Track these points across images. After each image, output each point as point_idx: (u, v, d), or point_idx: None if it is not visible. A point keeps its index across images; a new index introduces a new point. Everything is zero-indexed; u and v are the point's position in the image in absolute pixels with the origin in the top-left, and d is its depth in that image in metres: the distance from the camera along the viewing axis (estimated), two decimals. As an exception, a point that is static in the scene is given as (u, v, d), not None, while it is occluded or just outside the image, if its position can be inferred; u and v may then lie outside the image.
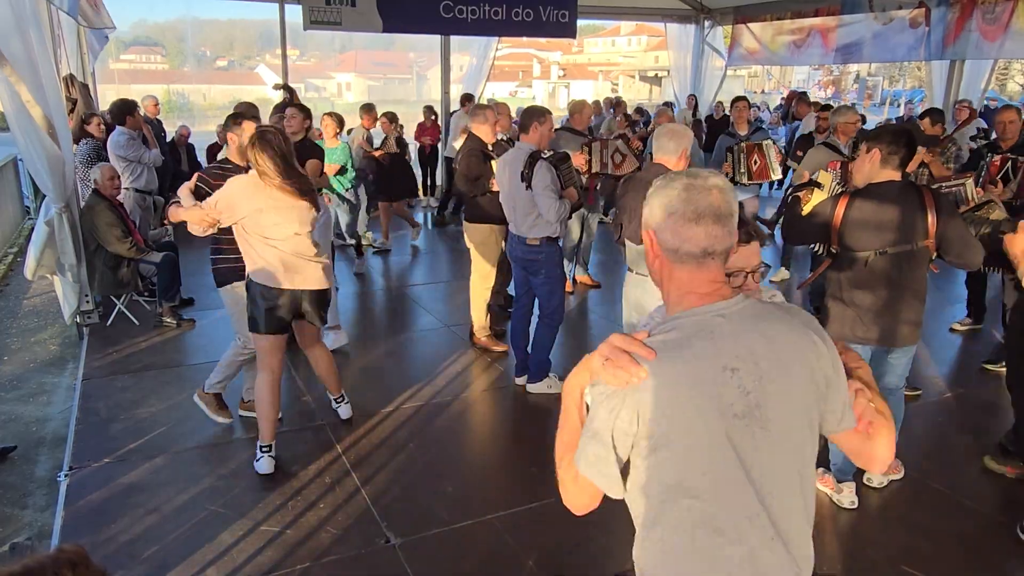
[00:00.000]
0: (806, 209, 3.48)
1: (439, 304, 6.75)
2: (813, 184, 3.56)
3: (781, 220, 3.82)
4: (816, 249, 3.71)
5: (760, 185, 6.73)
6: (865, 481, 3.70)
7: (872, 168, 3.29)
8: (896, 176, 3.27)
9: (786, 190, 8.34)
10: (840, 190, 3.53)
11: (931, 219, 3.21)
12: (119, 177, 6.08)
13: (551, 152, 4.66)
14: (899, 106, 28.34)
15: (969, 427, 4.49)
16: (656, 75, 52.83)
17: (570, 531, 3.30)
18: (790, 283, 7.31)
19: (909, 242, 3.23)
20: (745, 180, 6.43)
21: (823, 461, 3.78)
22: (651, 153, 6.30)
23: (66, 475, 3.73)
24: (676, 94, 13.23)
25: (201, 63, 68.93)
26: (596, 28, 64.10)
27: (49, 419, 4.59)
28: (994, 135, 5.87)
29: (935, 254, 3.31)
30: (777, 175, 6.38)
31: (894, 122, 15.00)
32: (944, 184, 4.23)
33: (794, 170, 6.27)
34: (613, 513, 3.38)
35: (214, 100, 54.59)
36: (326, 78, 65.42)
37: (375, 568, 3.11)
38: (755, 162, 6.38)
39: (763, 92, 42.36)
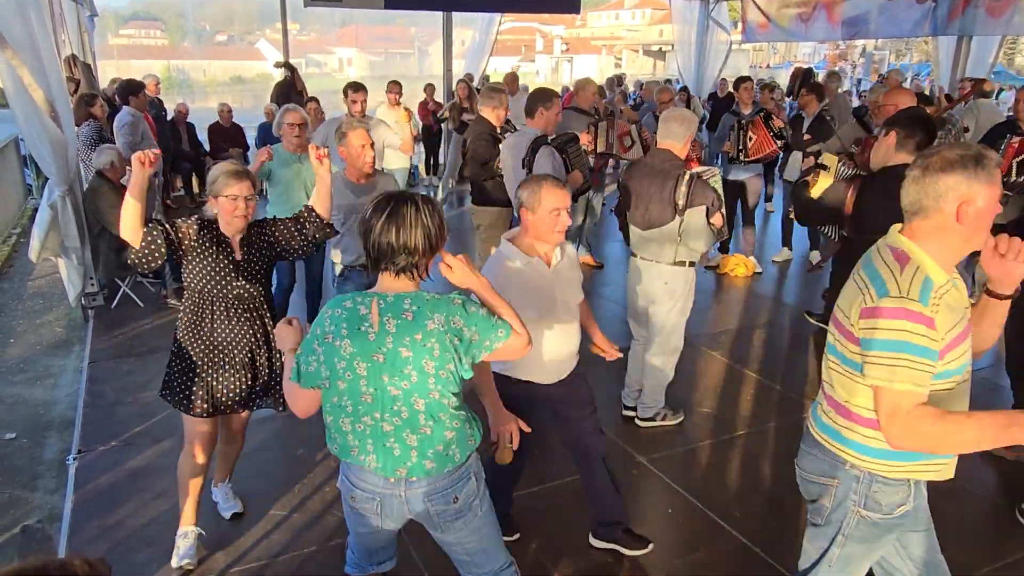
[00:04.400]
0: (814, 192, 3.45)
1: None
2: (819, 167, 3.54)
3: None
4: (827, 232, 3.70)
5: (762, 164, 6.70)
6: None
7: (887, 151, 3.26)
8: (911, 160, 3.24)
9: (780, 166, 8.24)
10: (850, 172, 3.50)
11: None
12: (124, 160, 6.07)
13: (558, 134, 4.59)
14: (905, 81, 28.03)
15: (970, 409, 4.50)
16: (660, 49, 52.32)
17: (572, 514, 3.34)
18: (791, 264, 7.31)
19: None
20: (742, 157, 6.42)
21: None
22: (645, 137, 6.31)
23: (75, 458, 3.78)
24: (680, 69, 13.10)
25: (201, 38, 68.41)
26: (599, 1, 63.42)
27: (56, 402, 4.63)
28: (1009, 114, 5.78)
29: None
30: (772, 146, 6.30)
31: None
32: None
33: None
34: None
35: (214, 76, 54.30)
36: (327, 53, 64.95)
37: (381, 551, 3.15)
38: (750, 138, 6.35)
39: (768, 67, 41.93)
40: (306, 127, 4.89)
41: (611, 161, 8.48)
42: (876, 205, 3.24)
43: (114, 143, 6.46)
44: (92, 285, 5.83)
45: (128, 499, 3.45)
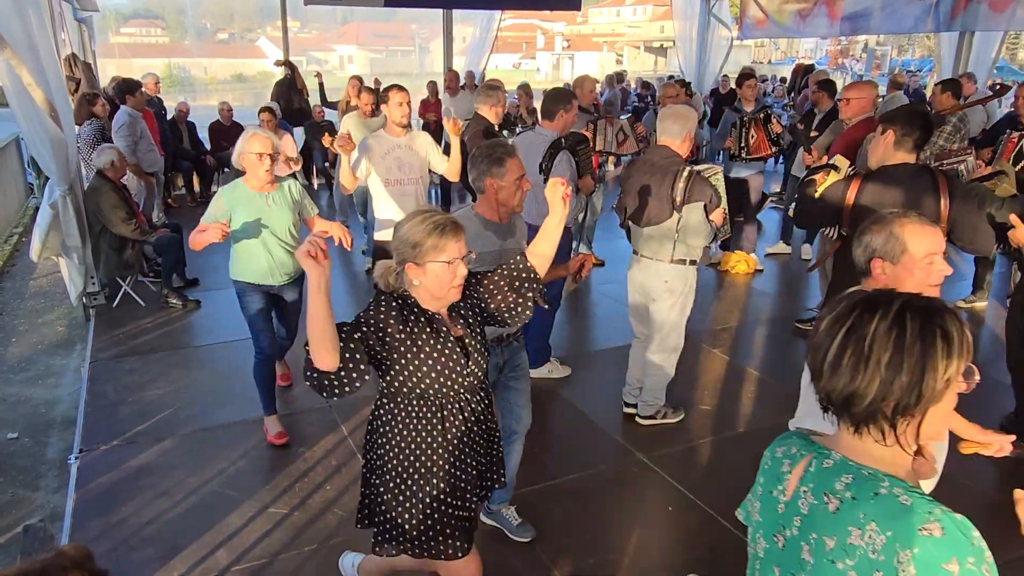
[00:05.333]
0: (819, 191, 3.43)
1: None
2: (829, 167, 3.52)
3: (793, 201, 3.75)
4: (826, 231, 3.69)
5: (764, 161, 6.69)
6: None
7: (885, 150, 3.24)
8: (910, 159, 3.22)
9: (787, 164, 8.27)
10: (853, 172, 3.49)
11: (943, 203, 3.16)
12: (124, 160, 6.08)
13: (568, 134, 4.54)
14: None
15: (969, 405, 4.48)
16: (662, 45, 52.22)
17: (572, 512, 3.35)
18: (791, 259, 7.30)
19: None
20: (744, 155, 6.42)
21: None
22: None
23: (76, 457, 3.79)
24: (681, 65, 13.07)
25: (201, 36, 68.25)
26: (600, -3, 63.28)
27: (58, 401, 4.64)
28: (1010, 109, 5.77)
29: (946, 239, 3.28)
30: (767, 150, 6.33)
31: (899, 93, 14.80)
32: (945, 161, 4.17)
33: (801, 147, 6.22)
34: (615, 499, 3.40)
35: (215, 74, 54.28)
36: (327, 51, 64.87)
37: (381, 549, 3.16)
38: (751, 136, 6.35)
39: (770, 63, 41.85)
40: (277, 158, 3.62)
41: (611, 158, 8.47)
42: (875, 203, 3.23)
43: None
44: (93, 284, 5.83)
45: (130, 498, 3.46)
